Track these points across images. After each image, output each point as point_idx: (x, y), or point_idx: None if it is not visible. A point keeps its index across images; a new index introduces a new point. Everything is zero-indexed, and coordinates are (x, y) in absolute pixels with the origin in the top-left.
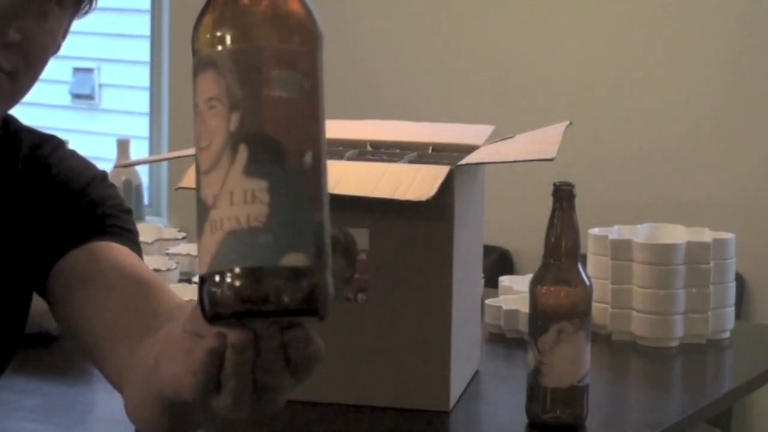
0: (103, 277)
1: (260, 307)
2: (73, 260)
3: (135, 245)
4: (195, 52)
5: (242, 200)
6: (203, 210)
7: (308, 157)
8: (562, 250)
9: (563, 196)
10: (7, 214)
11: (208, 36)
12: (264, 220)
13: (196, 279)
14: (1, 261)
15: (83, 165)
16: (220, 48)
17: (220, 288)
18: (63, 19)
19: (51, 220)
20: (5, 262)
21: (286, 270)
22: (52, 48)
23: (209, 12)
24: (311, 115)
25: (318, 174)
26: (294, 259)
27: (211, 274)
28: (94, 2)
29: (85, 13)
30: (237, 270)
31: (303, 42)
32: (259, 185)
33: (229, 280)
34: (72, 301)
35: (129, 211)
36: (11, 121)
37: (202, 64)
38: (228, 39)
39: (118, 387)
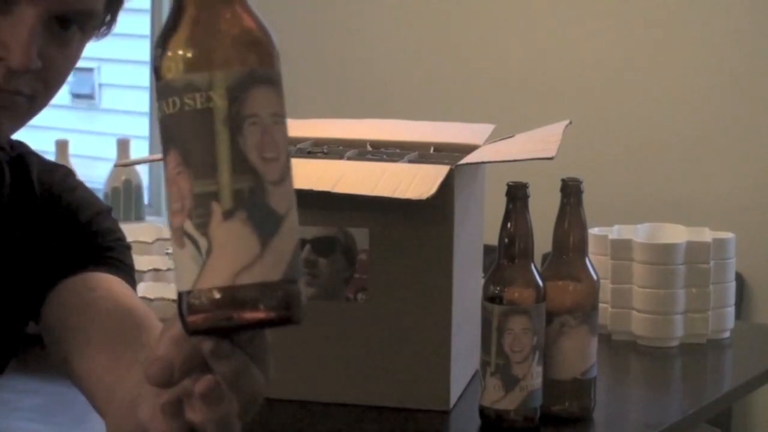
0: (96, 306)
1: (292, 315)
2: (69, 287)
3: (131, 279)
4: (243, 58)
5: (297, 217)
6: (272, 218)
7: None
8: (569, 245)
9: (571, 191)
10: (18, 234)
11: (266, 49)
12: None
13: None
14: (7, 277)
15: (91, 197)
16: (276, 66)
17: (288, 294)
18: (83, 44)
19: (54, 246)
20: (11, 278)
21: (285, 282)
22: (71, 71)
23: (251, 20)
24: None
25: None
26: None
27: (285, 281)
28: (113, 26)
29: (104, 35)
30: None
31: None
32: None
33: (293, 288)
34: (64, 326)
35: (129, 247)
36: (15, 145)
37: (266, 77)
38: (276, 58)
39: (102, 414)
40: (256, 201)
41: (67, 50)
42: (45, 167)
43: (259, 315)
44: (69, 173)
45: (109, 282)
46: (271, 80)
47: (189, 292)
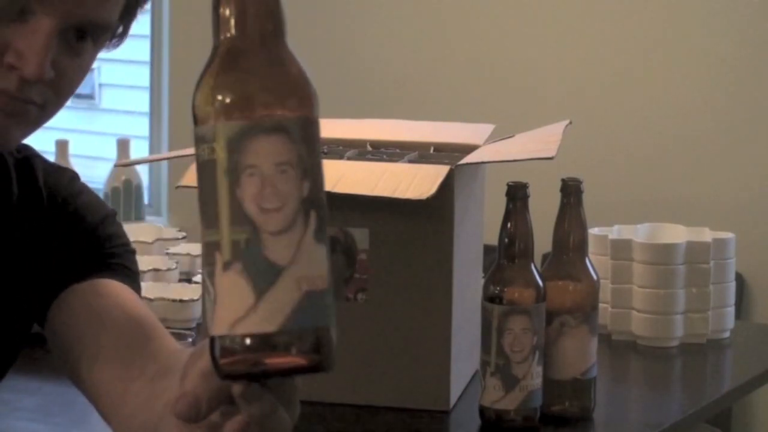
0: (103, 314)
1: (320, 364)
2: (76, 294)
3: (136, 285)
4: (244, 108)
5: (314, 263)
6: (270, 269)
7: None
8: (569, 245)
9: (571, 191)
10: (24, 236)
11: (272, 97)
12: (327, 284)
13: (196, 279)
14: (10, 281)
15: (96, 201)
16: (289, 113)
17: (289, 344)
18: (95, 55)
19: (60, 251)
20: (16, 281)
21: (326, 329)
22: (82, 81)
23: (266, 66)
24: None
25: None
26: (330, 317)
27: (282, 332)
28: (124, 38)
29: (114, 47)
30: (315, 327)
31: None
32: (323, 251)
33: (305, 338)
34: (72, 333)
35: (134, 252)
36: (21, 147)
37: (269, 126)
38: (295, 105)
39: (108, 421)
40: (252, 252)
41: (80, 60)
42: (51, 170)
43: (291, 361)
44: (75, 177)
45: (116, 289)
46: (282, 128)
47: (220, 337)
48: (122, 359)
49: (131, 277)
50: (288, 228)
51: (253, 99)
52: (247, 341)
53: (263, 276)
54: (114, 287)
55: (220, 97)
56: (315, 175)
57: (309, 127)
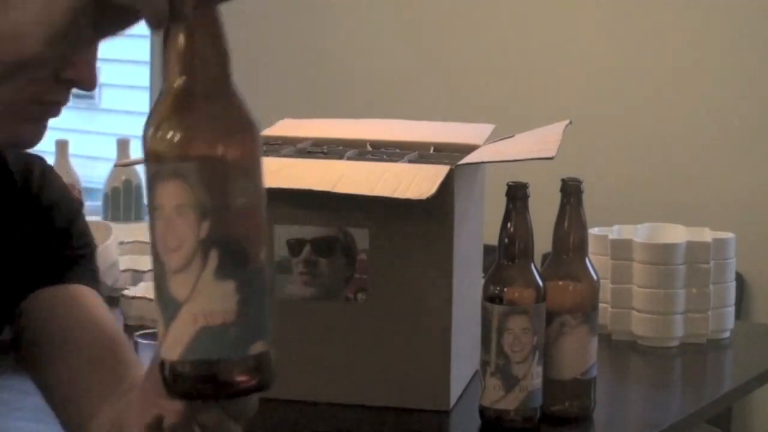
0: (77, 328)
1: (225, 390)
2: (46, 299)
3: (99, 285)
4: (154, 155)
5: (214, 300)
6: (172, 304)
7: (263, 253)
8: (570, 245)
9: (571, 191)
10: None
11: (168, 142)
12: (233, 318)
13: None
14: None
15: (66, 196)
16: (186, 159)
17: (189, 373)
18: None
19: (30, 248)
20: None
21: (252, 358)
22: None
23: (169, 115)
24: (264, 214)
25: (267, 263)
26: (260, 347)
27: (182, 362)
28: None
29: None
30: (209, 359)
31: (255, 147)
32: (229, 287)
33: (199, 367)
34: (41, 338)
35: (96, 247)
36: None
37: (166, 172)
38: (193, 149)
39: (71, 429)
40: (161, 287)
41: (91, 58)
42: (22, 159)
43: (194, 388)
44: (47, 168)
45: (88, 299)
46: (179, 173)
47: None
48: (92, 383)
49: (95, 279)
50: (185, 267)
51: (161, 144)
52: (163, 366)
53: (168, 310)
54: (85, 297)
55: (145, 140)
56: (219, 215)
57: (213, 169)
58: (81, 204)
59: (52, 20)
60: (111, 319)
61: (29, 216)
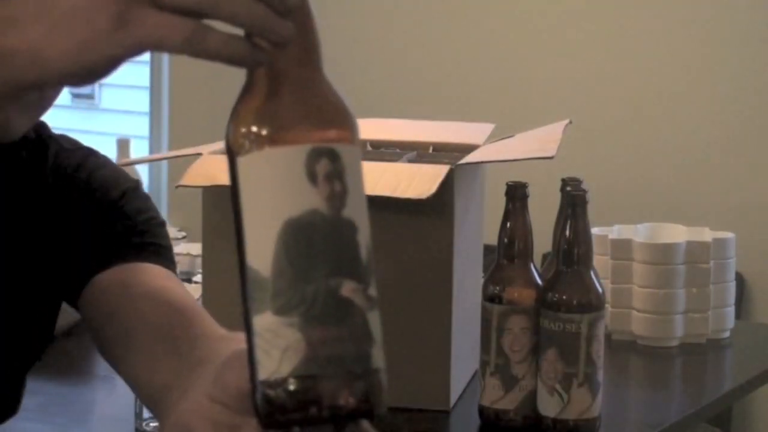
0: (137, 308)
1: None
2: (106, 282)
3: (168, 260)
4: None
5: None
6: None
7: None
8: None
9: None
10: (35, 224)
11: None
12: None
13: (196, 279)
14: (28, 271)
15: (116, 175)
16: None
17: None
18: None
19: (84, 235)
20: (32, 272)
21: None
22: None
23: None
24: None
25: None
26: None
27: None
28: None
29: None
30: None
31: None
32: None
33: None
34: (105, 324)
35: (163, 224)
36: (42, 128)
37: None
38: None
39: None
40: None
41: None
42: (64, 149)
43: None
44: (90, 153)
45: (148, 275)
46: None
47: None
48: (163, 355)
49: (162, 253)
50: None
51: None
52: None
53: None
54: (146, 273)
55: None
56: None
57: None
58: (136, 182)
59: (83, 61)
60: (173, 289)
61: (75, 202)
